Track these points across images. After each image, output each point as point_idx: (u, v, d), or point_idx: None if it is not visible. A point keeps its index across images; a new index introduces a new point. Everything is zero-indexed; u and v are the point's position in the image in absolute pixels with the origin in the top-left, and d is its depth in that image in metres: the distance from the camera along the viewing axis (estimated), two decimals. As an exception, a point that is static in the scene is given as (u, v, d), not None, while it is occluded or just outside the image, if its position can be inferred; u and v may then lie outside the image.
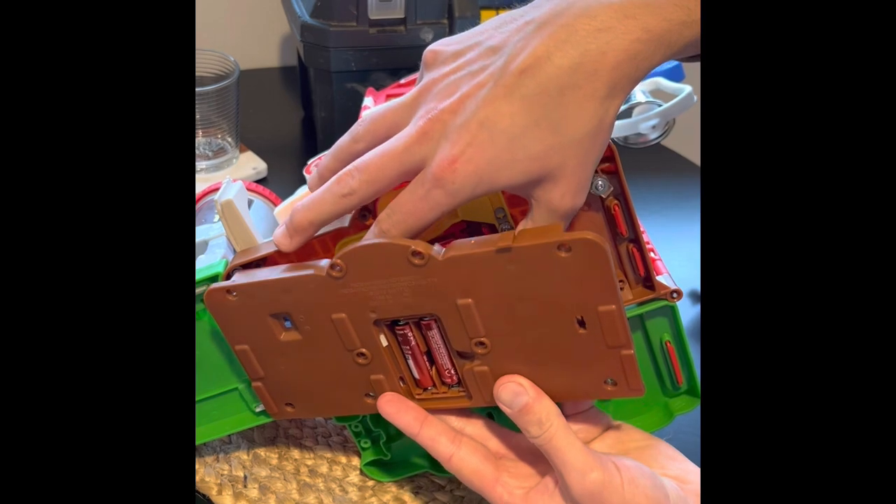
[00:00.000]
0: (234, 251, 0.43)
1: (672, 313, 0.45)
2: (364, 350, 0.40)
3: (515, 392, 0.39)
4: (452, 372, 0.41)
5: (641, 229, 0.41)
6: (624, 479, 0.37)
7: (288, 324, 0.41)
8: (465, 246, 0.36)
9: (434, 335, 0.40)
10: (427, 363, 0.42)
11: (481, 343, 0.39)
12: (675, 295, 0.43)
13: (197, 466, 0.51)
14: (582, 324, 0.37)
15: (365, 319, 0.39)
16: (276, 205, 0.54)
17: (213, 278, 0.42)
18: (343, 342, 0.40)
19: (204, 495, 0.50)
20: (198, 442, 0.49)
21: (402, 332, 0.40)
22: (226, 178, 0.45)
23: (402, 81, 0.61)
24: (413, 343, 0.40)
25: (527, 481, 0.40)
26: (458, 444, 0.41)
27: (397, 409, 0.42)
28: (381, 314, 0.39)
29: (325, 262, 0.38)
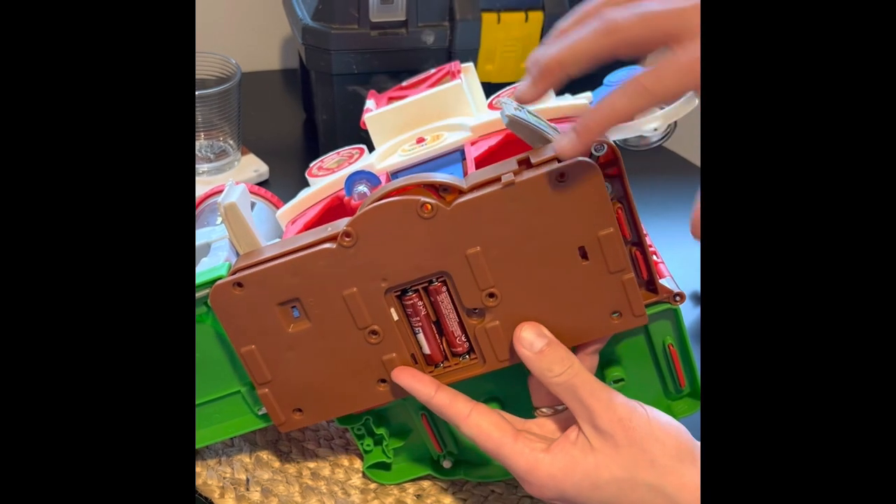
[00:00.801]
0: (238, 254, 0.43)
1: (675, 316, 0.45)
2: (376, 327, 0.41)
3: (536, 333, 0.40)
4: (463, 338, 0.42)
5: (644, 232, 0.41)
6: (649, 414, 0.39)
7: (296, 314, 0.42)
8: (470, 193, 0.39)
9: (443, 299, 0.41)
10: (436, 334, 0.42)
11: (491, 294, 0.40)
12: (677, 298, 0.43)
13: (199, 469, 0.51)
14: (584, 256, 0.39)
15: (376, 291, 0.40)
16: (278, 207, 0.54)
17: (216, 281, 0.42)
18: (355, 321, 0.41)
19: (206, 498, 0.50)
20: (200, 445, 0.49)
21: (410, 302, 0.41)
22: (229, 181, 0.45)
23: (405, 84, 0.60)
24: (423, 313, 0.41)
25: (546, 442, 0.41)
26: (475, 404, 0.42)
27: (411, 376, 0.42)
28: (392, 281, 0.40)
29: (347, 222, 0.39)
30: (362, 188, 0.45)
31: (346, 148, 0.54)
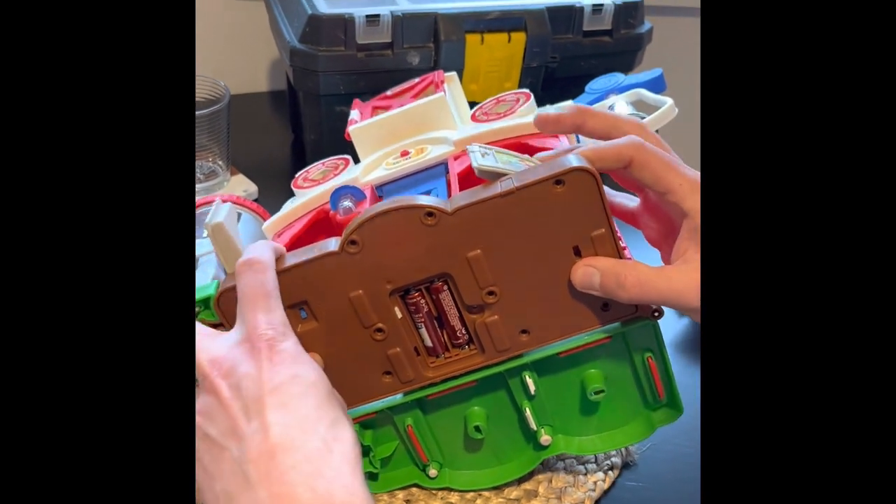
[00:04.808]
0: (225, 272, 0.44)
1: (654, 331, 0.45)
2: (381, 325, 0.43)
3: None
4: (464, 331, 0.44)
5: (623, 245, 0.42)
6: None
7: (303, 316, 0.43)
8: (470, 196, 0.40)
9: (445, 297, 0.43)
10: (438, 329, 0.44)
11: (491, 292, 0.42)
12: (656, 314, 0.44)
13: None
14: (578, 253, 0.41)
15: (381, 292, 0.42)
16: (265, 219, 0.54)
17: (205, 301, 0.43)
18: (361, 320, 0.43)
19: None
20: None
21: (413, 300, 0.43)
22: (216, 200, 0.46)
23: (389, 93, 0.61)
24: (425, 310, 0.43)
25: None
26: None
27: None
28: (396, 283, 0.42)
29: (335, 242, 0.41)
30: (347, 203, 0.46)
31: (332, 158, 0.54)
